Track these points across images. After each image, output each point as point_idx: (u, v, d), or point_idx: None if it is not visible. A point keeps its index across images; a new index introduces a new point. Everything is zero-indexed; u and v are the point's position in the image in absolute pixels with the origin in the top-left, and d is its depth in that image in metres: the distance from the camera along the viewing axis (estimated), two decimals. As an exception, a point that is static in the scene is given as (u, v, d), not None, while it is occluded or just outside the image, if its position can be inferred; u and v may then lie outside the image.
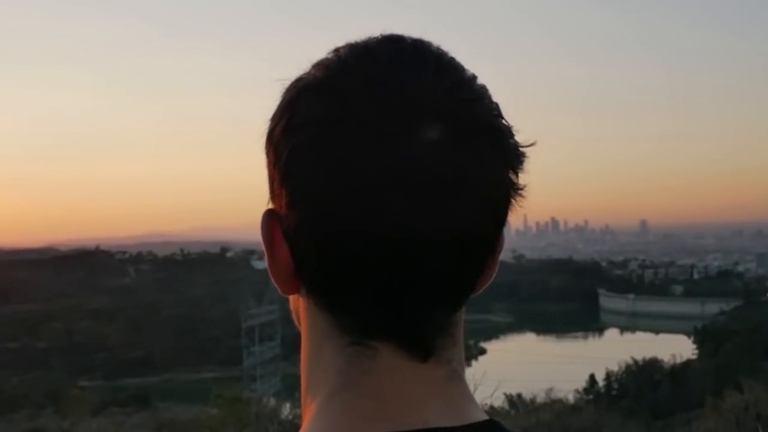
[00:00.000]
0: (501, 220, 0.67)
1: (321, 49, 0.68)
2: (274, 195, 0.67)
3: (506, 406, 23.46)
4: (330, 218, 0.62)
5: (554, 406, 21.94)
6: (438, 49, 0.67)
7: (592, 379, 41.12)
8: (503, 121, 0.66)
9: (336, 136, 0.62)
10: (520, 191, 0.67)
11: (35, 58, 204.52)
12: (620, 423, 21.76)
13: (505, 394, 23.77)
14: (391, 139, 0.61)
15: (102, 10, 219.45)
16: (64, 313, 67.43)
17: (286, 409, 21.31)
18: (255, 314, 48.65)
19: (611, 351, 50.70)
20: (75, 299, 71.18)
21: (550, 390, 24.60)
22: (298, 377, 0.72)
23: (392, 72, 0.64)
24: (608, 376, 41.70)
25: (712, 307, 77.39)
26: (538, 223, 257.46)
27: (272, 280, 0.69)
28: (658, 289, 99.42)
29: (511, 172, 0.66)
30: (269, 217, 0.68)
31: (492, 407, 20.42)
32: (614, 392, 39.88)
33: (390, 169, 0.61)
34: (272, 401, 26.68)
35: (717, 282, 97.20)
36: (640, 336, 77.26)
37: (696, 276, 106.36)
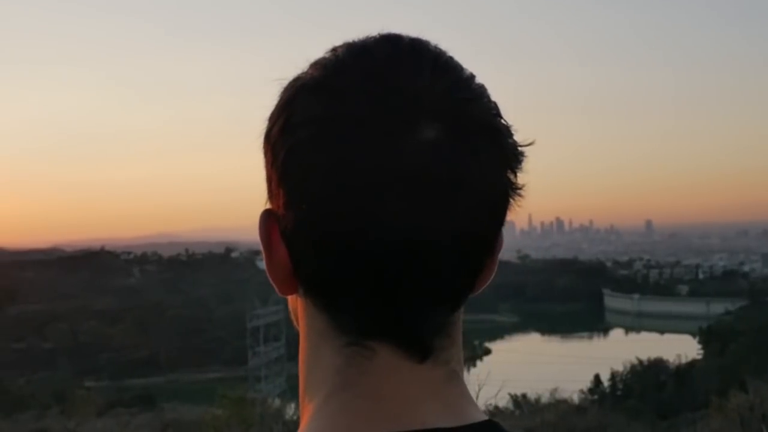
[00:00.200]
0: (500, 219, 0.66)
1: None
2: (271, 195, 0.67)
3: (511, 406, 23.50)
4: (327, 218, 0.62)
5: (559, 406, 21.94)
6: (436, 48, 0.67)
7: (597, 379, 41.03)
8: (502, 121, 0.66)
9: (333, 136, 0.61)
10: (518, 191, 0.67)
11: (40, 59, 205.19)
12: (625, 423, 21.72)
13: (509, 394, 23.80)
14: (388, 138, 0.61)
15: (108, 11, 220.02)
16: (70, 314, 67.51)
17: (290, 410, 21.32)
18: (260, 315, 48.66)
19: (616, 351, 50.61)
20: (80, 300, 71.28)
21: (554, 390, 24.61)
22: (300, 378, 0.72)
23: (390, 71, 0.63)
24: (613, 376, 41.62)
25: (718, 307, 77.14)
26: (542, 223, 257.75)
27: (270, 281, 0.69)
28: (664, 289, 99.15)
29: (509, 171, 0.66)
30: (267, 217, 0.68)
31: (497, 407, 20.44)
32: (619, 392, 39.78)
33: (388, 168, 0.61)
34: (277, 401, 26.75)
35: (722, 282, 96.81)
36: (645, 336, 77.01)
37: (701, 276, 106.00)
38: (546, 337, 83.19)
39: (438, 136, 0.61)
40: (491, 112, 0.66)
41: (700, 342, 52.88)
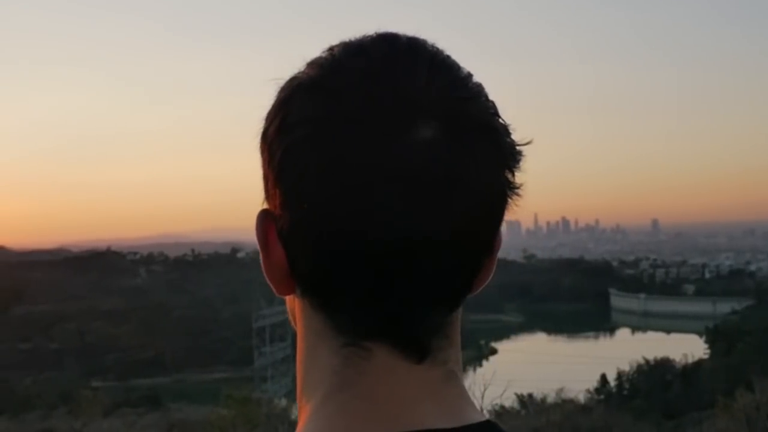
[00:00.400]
0: (497, 218, 0.66)
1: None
2: (268, 195, 0.67)
3: (517, 405, 23.50)
4: (324, 218, 0.61)
5: (565, 406, 21.96)
6: (433, 47, 0.67)
7: (603, 378, 41.04)
8: (499, 120, 0.65)
9: (330, 135, 0.61)
10: (516, 190, 0.66)
11: (48, 59, 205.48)
12: (631, 423, 21.75)
13: (515, 393, 23.81)
14: (385, 137, 0.60)
15: (116, 11, 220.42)
16: (76, 314, 67.71)
17: (296, 410, 21.34)
18: (266, 315, 48.69)
19: (622, 351, 50.55)
20: (87, 300, 71.46)
21: (560, 390, 24.62)
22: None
23: (386, 70, 0.63)
24: (619, 375, 41.59)
25: (724, 307, 76.94)
26: (548, 223, 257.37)
27: (267, 281, 0.69)
28: (670, 288, 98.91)
29: (507, 170, 0.65)
30: (264, 217, 0.67)
31: (503, 407, 20.45)
32: (625, 392, 39.78)
33: (384, 168, 0.60)
34: (283, 402, 26.82)
35: (729, 281, 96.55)
36: (652, 336, 76.89)
37: (708, 275, 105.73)
38: (552, 337, 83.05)
39: (435, 135, 0.61)
40: (489, 110, 0.65)
41: (706, 342, 52.75)
